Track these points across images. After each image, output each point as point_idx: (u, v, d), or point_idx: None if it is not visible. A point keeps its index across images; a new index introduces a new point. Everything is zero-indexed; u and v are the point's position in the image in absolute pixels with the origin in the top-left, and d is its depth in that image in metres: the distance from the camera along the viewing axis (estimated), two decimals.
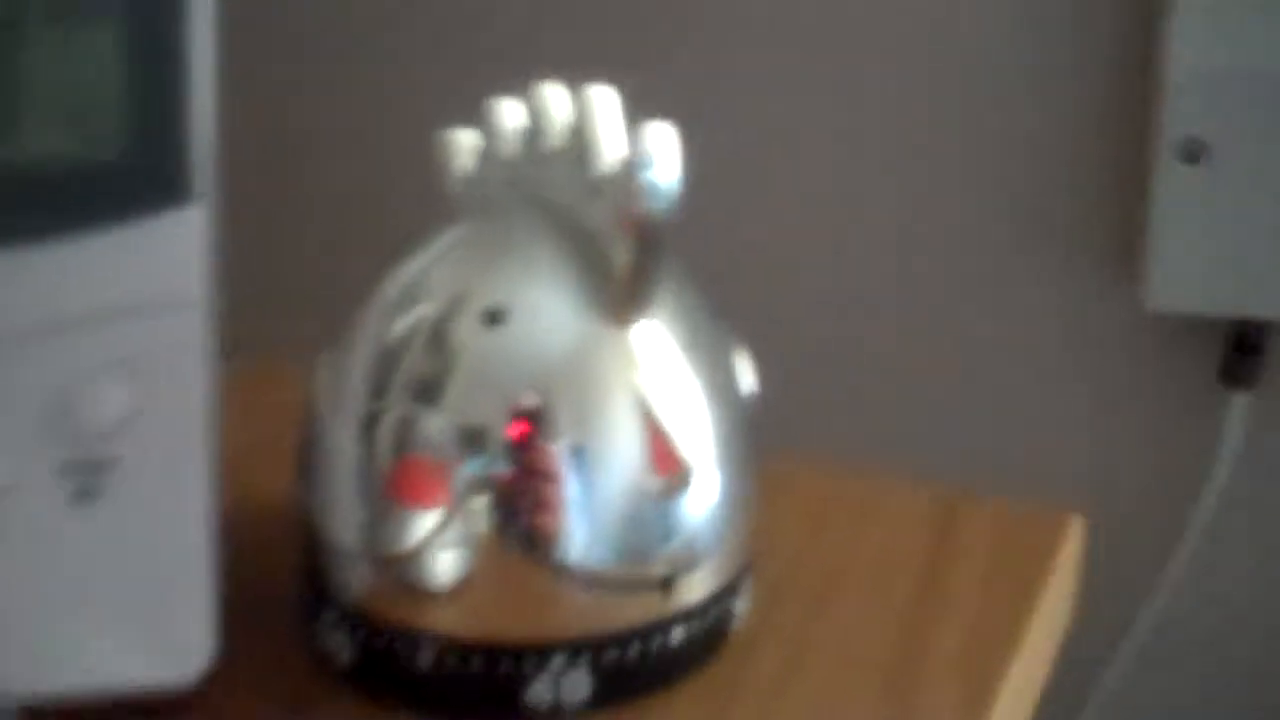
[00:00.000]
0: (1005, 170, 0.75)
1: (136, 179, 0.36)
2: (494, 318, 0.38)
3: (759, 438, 0.40)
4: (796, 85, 0.76)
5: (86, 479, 0.38)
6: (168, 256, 0.37)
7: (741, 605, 0.41)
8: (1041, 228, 0.75)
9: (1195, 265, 0.71)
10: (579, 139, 0.38)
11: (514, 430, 0.37)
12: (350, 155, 0.81)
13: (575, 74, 0.42)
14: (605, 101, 0.38)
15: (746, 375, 0.41)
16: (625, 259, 0.37)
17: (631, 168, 0.36)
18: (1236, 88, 0.69)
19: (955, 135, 0.75)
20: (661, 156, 0.36)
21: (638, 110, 0.39)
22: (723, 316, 0.41)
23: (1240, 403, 0.74)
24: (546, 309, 0.38)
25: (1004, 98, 0.74)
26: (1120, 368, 0.76)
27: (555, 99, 0.39)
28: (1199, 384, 0.75)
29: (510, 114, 0.41)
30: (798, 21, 0.75)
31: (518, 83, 0.43)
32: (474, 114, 0.42)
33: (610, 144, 0.37)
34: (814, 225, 0.77)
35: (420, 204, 0.41)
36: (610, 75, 0.40)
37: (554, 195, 0.39)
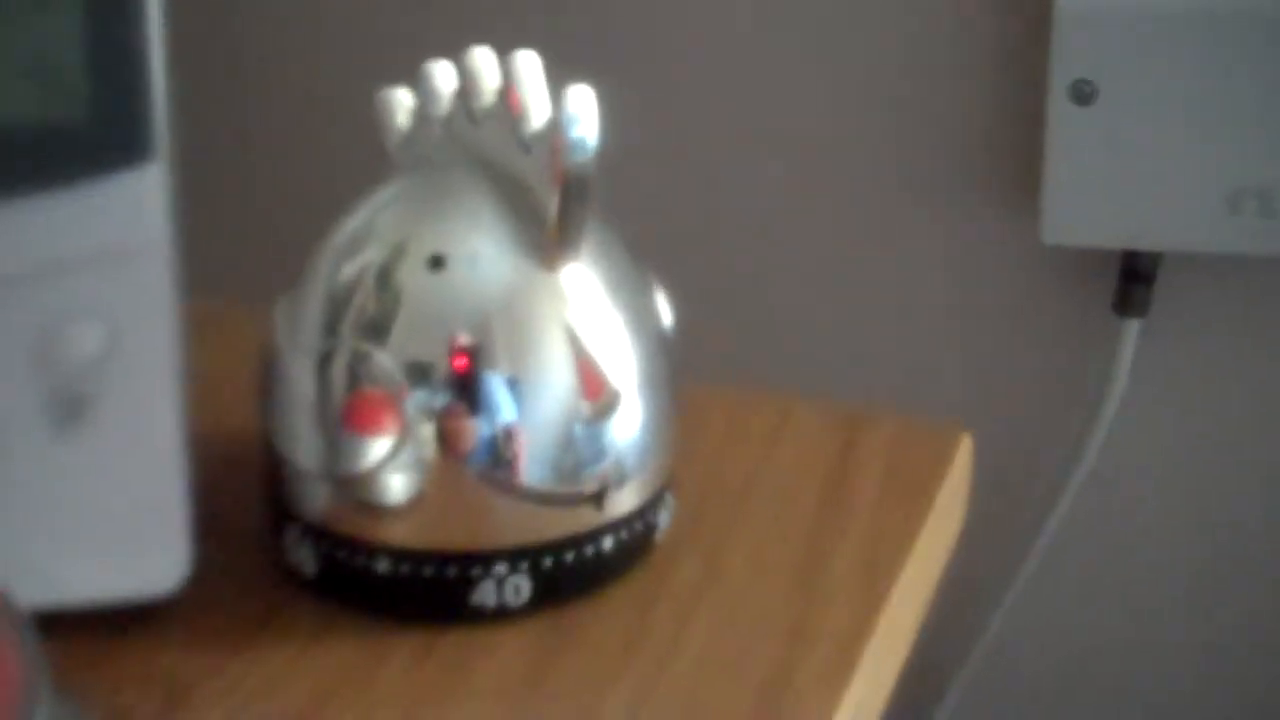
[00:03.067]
0: (906, 110, 0.79)
1: (101, 139, 0.40)
2: (436, 263, 0.42)
3: (677, 367, 0.45)
4: (699, 28, 0.79)
5: (68, 410, 0.42)
6: (131, 210, 0.41)
7: (664, 517, 0.45)
8: (942, 165, 0.79)
9: (1089, 200, 0.76)
10: (508, 101, 0.42)
11: (455, 363, 0.42)
12: (294, 112, 0.85)
13: (504, 39, 0.46)
14: (530, 66, 0.42)
15: (664, 310, 0.45)
16: (555, 209, 0.41)
17: (558, 126, 0.40)
18: (1124, 30, 0.73)
19: (855, 75, 0.79)
20: (584, 116, 0.40)
21: (552, 71, 0.43)
22: (641, 257, 0.45)
23: (1132, 329, 0.78)
24: (483, 254, 0.42)
25: (901, 38, 0.78)
26: (1020, 297, 0.80)
27: (485, 63, 0.43)
28: (1094, 311, 0.79)
29: (444, 75, 0.45)
30: None
31: (449, 44, 0.47)
32: (409, 74, 0.46)
33: (537, 105, 0.42)
34: (718, 166, 0.81)
35: (360, 158, 0.45)
36: (528, 40, 0.44)
37: (487, 151, 0.43)
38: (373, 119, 0.46)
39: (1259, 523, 0.80)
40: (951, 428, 0.50)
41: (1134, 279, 0.78)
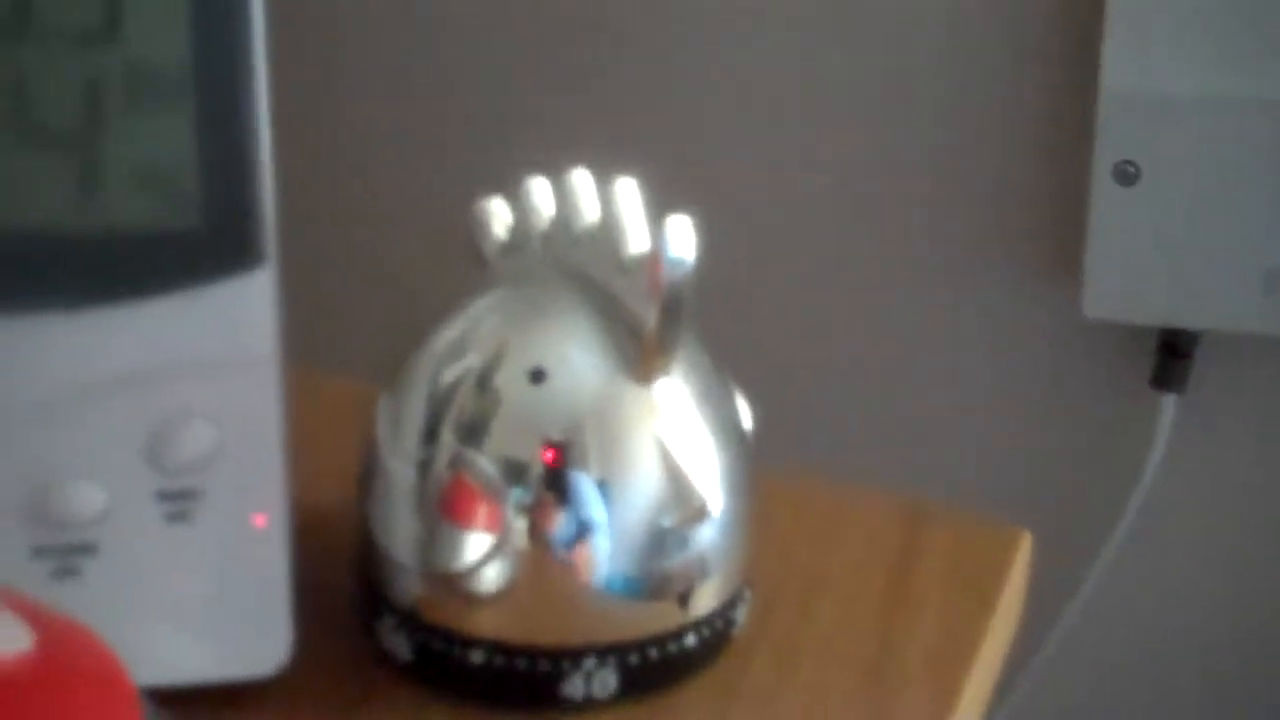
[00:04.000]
0: (952, 187, 0.81)
1: (212, 246, 0.42)
2: (536, 376, 0.44)
3: (757, 468, 0.47)
4: (762, 107, 0.82)
5: (179, 504, 0.44)
6: (241, 314, 0.43)
7: (742, 613, 0.47)
8: (988, 240, 0.81)
9: (1129, 277, 0.78)
10: (608, 225, 0.45)
11: (546, 457, 0.44)
12: (386, 221, 0.87)
13: (595, 152, 0.48)
14: (630, 193, 0.45)
15: (746, 417, 0.47)
16: (651, 327, 0.43)
17: (656, 253, 0.43)
18: (1167, 114, 0.75)
19: (901, 155, 0.81)
20: (681, 243, 0.43)
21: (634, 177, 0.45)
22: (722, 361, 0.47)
23: (1170, 404, 0.80)
24: (580, 367, 0.44)
25: (947, 117, 0.80)
26: (1061, 369, 0.82)
27: (584, 186, 0.46)
28: (1132, 385, 0.81)
29: (541, 193, 0.47)
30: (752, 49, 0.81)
31: (548, 154, 0.49)
32: (503, 185, 0.48)
33: (636, 231, 0.44)
34: (753, 242, 0.83)
35: (455, 266, 0.47)
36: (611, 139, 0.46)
37: (585, 268, 0.45)
38: (465, 229, 0.48)
39: None
40: (1013, 529, 0.52)
41: (1172, 355, 0.80)
